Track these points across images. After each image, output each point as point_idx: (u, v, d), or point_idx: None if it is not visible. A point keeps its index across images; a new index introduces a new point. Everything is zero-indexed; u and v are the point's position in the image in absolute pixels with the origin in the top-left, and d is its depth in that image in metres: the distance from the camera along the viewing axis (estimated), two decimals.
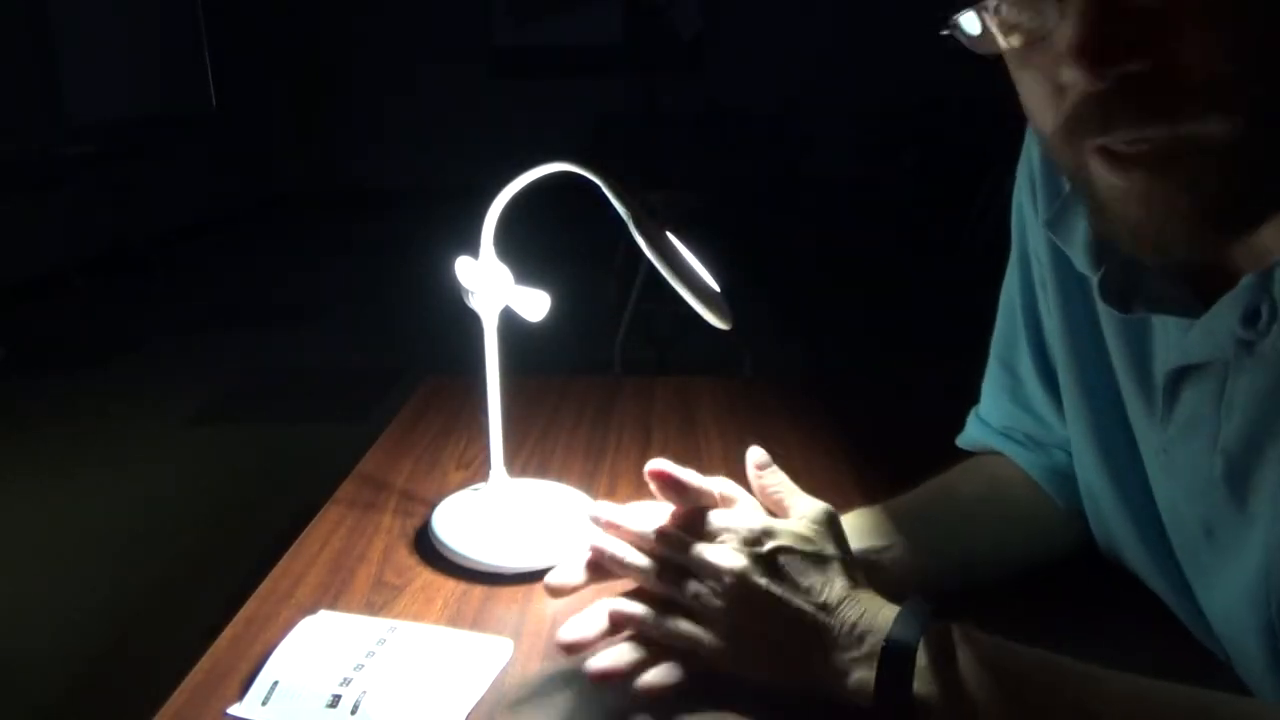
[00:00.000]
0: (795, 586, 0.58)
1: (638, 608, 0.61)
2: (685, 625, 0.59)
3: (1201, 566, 0.59)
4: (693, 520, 0.64)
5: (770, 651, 0.58)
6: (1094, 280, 0.58)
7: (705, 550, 0.60)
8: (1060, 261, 0.66)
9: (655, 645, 0.60)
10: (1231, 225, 0.46)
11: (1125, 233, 0.48)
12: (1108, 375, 0.65)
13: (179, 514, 2.63)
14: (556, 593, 0.66)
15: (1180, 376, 0.56)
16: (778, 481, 0.68)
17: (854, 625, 0.57)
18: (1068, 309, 0.67)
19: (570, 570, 0.66)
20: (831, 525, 0.63)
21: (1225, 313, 0.52)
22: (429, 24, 7.71)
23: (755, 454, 0.69)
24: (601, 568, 0.65)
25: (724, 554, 0.60)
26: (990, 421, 0.79)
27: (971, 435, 0.81)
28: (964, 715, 0.53)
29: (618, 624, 0.61)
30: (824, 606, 0.58)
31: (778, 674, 0.58)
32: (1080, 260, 0.59)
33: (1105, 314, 0.63)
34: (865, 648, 0.56)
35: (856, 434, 1.02)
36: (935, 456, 0.81)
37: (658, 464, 0.65)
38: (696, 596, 0.60)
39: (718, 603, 0.59)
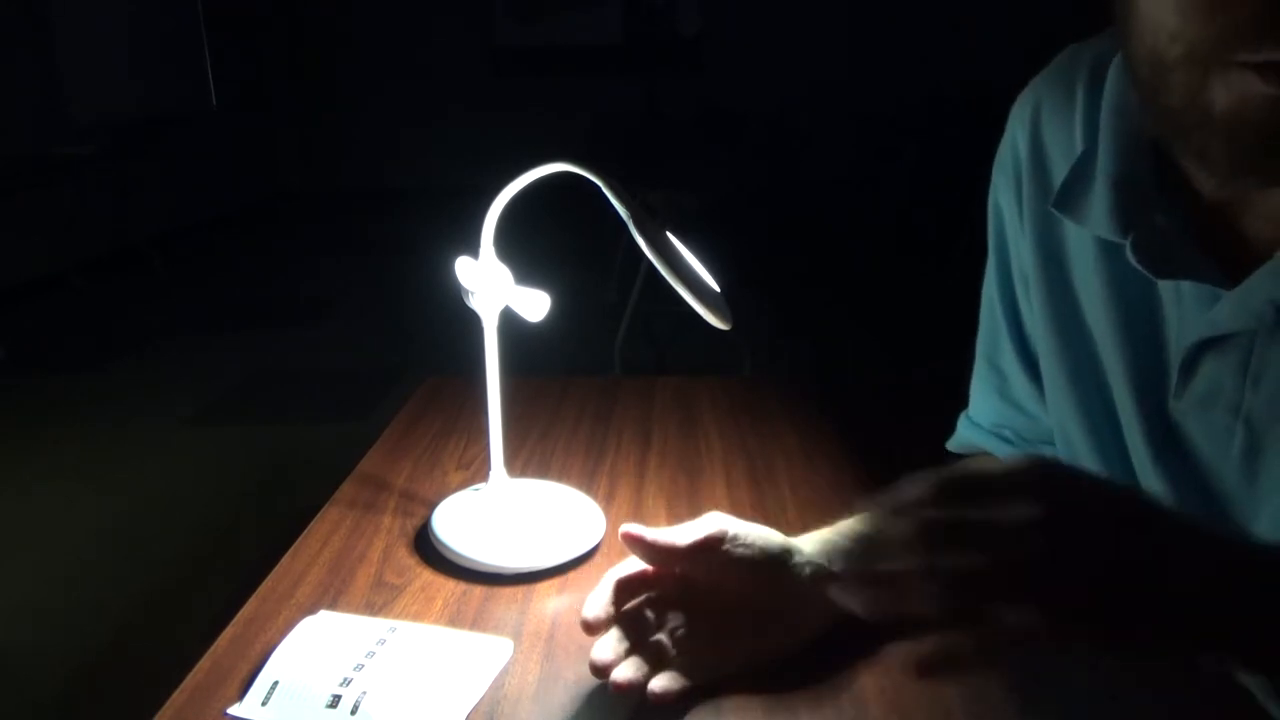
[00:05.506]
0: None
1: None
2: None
3: None
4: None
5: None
6: (1126, 244, 0.57)
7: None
8: (1045, 255, 0.66)
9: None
10: None
11: (1243, 149, 0.46)
12: (1095, 368, 0.65)
13: (179, 514, 2.63)
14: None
15: (1202, 349, 0.56)
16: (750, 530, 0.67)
17: None
18: (1052, 302, 0.67)
19: None
20: None
21: (1264, 283, 0.52)
22: (429, 23, 7.71)
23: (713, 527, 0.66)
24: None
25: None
26: (980, 422, 0.79)
27: (963, 438, 0.82)
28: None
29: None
30: None
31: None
32: (1104, 228, 0.59)
33: (1106, 299, 0.62)
34: None
35: (856, 434, 1.02)
36: (934, 456, 0.81)
37: (630, 528, 0.64)
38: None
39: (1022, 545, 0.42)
